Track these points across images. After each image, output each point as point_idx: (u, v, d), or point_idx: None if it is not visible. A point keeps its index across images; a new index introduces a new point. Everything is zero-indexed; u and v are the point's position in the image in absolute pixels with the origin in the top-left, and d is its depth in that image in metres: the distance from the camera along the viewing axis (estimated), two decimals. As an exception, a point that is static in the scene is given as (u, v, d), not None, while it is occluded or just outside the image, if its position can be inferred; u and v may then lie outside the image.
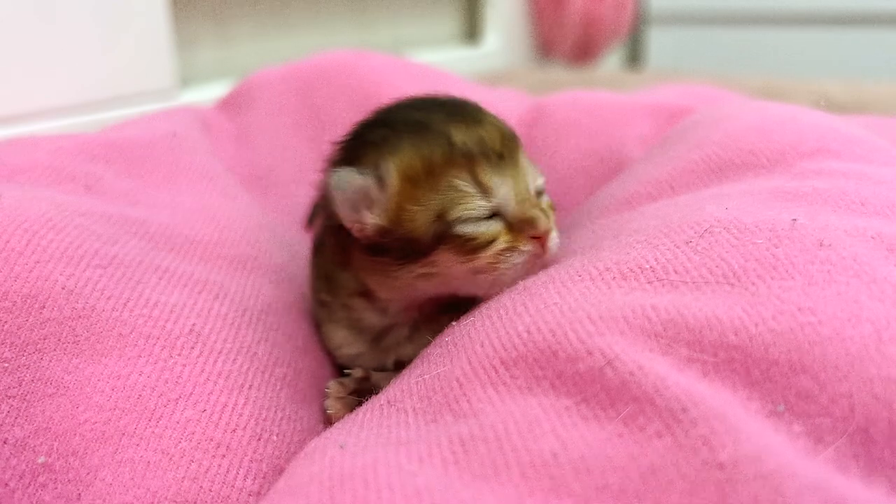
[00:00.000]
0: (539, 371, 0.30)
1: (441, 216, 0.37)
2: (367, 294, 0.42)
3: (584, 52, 1.55)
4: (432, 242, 0.37)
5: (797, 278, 0.31)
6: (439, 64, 0.87)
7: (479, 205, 0.38)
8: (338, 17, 1.07)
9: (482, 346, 0.32)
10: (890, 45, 1.59)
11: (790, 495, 0.24)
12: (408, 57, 0.98)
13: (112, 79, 0.69)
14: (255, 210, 0.55)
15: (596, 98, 0.68)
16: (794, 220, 0.34)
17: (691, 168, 0.44)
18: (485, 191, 0.38)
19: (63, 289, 0.37)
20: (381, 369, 0.45)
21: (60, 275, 0.37)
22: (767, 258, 0.32)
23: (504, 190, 0.38)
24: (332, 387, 0.42)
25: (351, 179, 0.38)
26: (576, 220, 0.49)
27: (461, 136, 0.38)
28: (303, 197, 0.67)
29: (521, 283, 0.38)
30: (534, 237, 0.38)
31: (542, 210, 0.39)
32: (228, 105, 0.73)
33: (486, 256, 0.38)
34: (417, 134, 0.38)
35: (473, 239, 0.37)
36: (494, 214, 0.38)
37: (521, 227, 0.38)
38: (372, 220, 0.38)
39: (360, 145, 0.41)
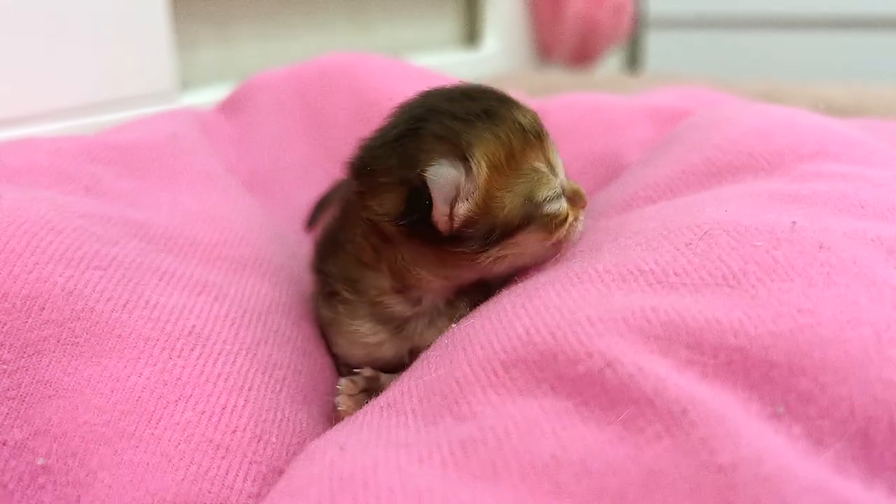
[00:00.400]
0: (539, 373, 0.30)
1: (529, 198, 0.39)
2: (402, 289, 0.43)
3: (583, 55, 1.55)
4: (522, 224, 0.39)
5: (797, 280, 0.31)
6: (439, 67, 0.88)
7: (556, 183, 0.41)
8: (338, 21, 1.07)
9: (482, 349, 0.32)
10: (889, 48, 1.60)
11: (790, 497, 0.24)
12: (407, 60, 0.98)
13: (112, 81, 0.70)
14: (255, 211, 0.55)
15: (595, 101, 0.69)
16: (794, 222, 0.34)
17: (690, 170, 0.44)
18: (553, 169, 0.41)
19: (63, 290, 0.37)
20: (392, 365, 0.45)
21: (60, 276, 0.37)
22: (767, 260, 0.32)
23: (560, 167, 0.42)
24: (344, 384, 0.43)
25: (447, 173, 0.38)
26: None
27: (525, 119, 0.40)
28: (303, 198, 0.68)
29: (520, 284, 0.38)
30: (582, 206, 0.42)
31: (576, 189, 0.43)
32: (229, 107, 0.73)
33: (564, 230, 0.41)
34: (491, 121, 0.39)
35: (557, 216, 0.40)
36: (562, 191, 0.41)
37: (573, 199, 0.42)
38: (464, 211, 0.38)
39: (422, 140, 0.40)
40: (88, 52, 0.67)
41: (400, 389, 0.35)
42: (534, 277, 0.38)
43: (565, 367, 0.29)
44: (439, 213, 0.38)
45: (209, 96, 0.78)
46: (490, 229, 0.39)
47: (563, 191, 0.41)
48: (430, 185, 0.37)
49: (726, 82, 0.98)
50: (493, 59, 1.33)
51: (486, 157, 0.38)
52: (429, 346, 0.39)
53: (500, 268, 0.41)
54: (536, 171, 0.40)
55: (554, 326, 0.31)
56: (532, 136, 0.40)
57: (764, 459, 0.25)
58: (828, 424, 0.27)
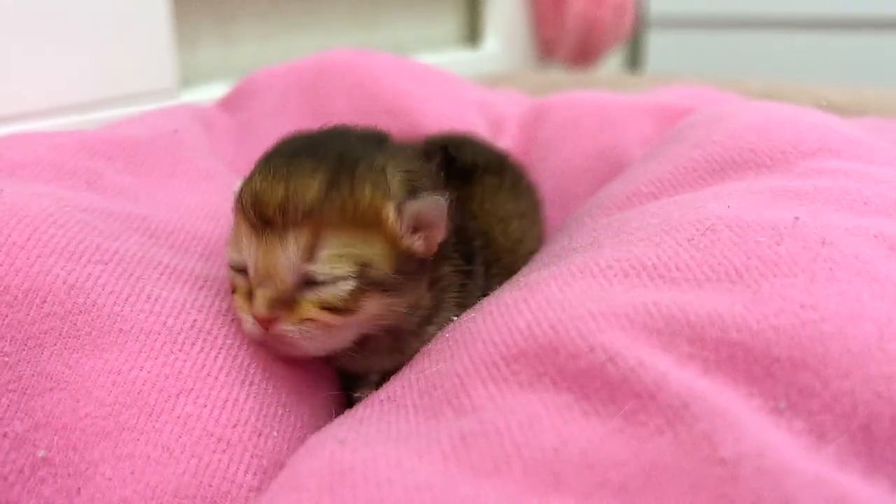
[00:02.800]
0: (540, 367, 0.30)
1: None
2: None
3: (584, 55, 1.55)
4: None
5: (799, 276, 0.31)
6: (440, 66, 0.88)
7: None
8: (339, 19, 1.07)
9: (483, 343, 0.32)
10: (890, 49, 1.60)
11: (791, 491, 0.24)
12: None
13: (112, 79, 0.69)
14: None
15: (597, 98, 0.69)
16: (796, 218, 0.34)
17: (692, 167, 0.44)
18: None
19: (64, 283, 0.37)
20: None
21: (61, 270, 0.37)
22: (769, 256, 0.32)
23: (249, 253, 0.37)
24: (364, 392, 0.41)
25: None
26: (577, 219, 0.49)
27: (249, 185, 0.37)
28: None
29: (522, 279, 0.38)
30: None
31: (264, 296, 0.36)
32: (229, 103, 0.73)
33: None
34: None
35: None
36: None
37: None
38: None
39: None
40: (90, 50, 0.67)
41: (400, 383, 0.35)
42: (535, 272, 0.38)
43: (567, 361, 0.29)
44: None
45: (210, 94, 0.77)
46: None
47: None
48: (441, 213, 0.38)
49: (727, 82, 0.98)
50: (494, 58, 1.33)
51: None
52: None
53: None
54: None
55: (555, 321, 0.31)
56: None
57: (765, 454, 0.25)
58: (830, 419, 0.27)
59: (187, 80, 0.82)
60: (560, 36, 1.49)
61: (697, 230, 0.34)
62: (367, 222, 0.36)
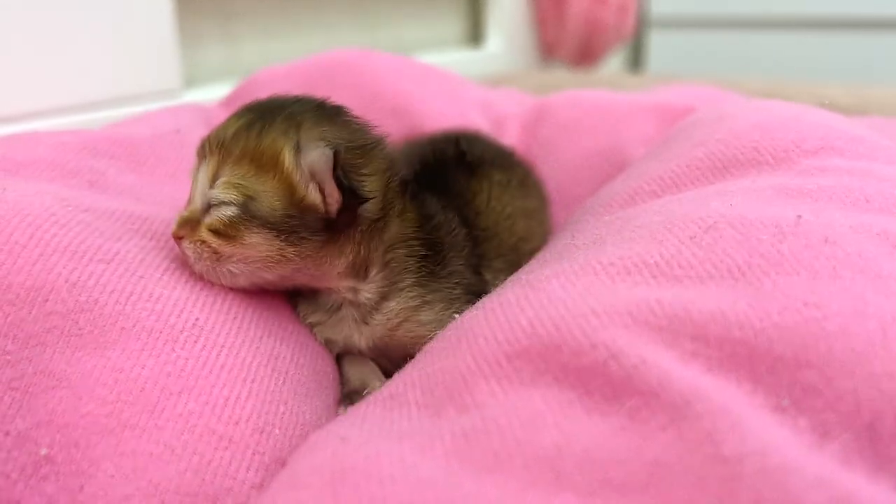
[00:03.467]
0: (543, 365, 0.30)
1: None
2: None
3: (586, 55, 1.55)
4: None
5: (802, 274, 0.31)
6: (442, 66, 0.88)
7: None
8: (342, 19, 1.08)
9: (485, 340, 0.32)
10: (891, 49, 1.59)
11: (794, 490, 0.24)
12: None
13: (116, 79, 0.70)
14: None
15: (598, 97, 0.69)
16: (799, 216, 0.34)
17: (695, 165, 0.44)
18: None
19: (67, 282, 0.37)
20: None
21: (64, 268, 0.37)
22: (772, 254, 0.32)
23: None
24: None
25: None
26: (579, 217, 0.49)
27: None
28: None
29: (524, 276, 0.38)
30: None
31: (180, 216, 0.42)
32: (232, 103, 0.73)
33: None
34: None
35: None
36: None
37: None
38: None
39: None
40: (93, 50, 0.67)
41: (403, 381, 0.35)
42: (537, 270, 0.38)
43: (569, 358, 0.29)
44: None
45: (213, 94, 0.78)
46: None
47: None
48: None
49: (728, 82, 0.98)
50: (497, 58, 1.33)
51: None
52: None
53: None
54: None
55: (558, 318, 0.31)
56: None
57: (769, 452, 0.25)
58: (833, 417, 0.27)
59: (190, 80, 0.82)
60: (562, 36, 1.49)
61: (700, 228, 0.34)
62: (264, 161, 0.39)
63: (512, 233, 0.51)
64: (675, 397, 0.27)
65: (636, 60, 1.91)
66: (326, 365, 0.45)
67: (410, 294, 0.43)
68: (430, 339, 0.39)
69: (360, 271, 0.43)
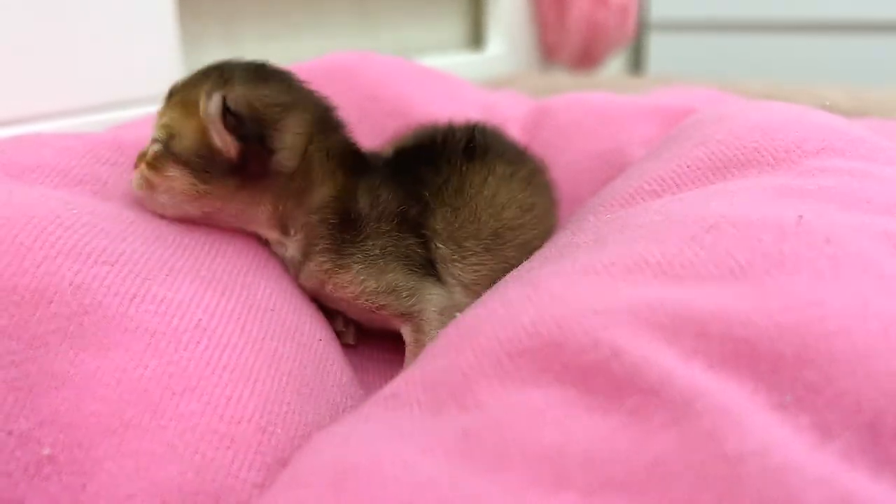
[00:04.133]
0: (544, 363, 0.30)
1: None
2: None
3: (587, 57, 1.56)
4: None
5: (804, 273, 0.31)
6: (443, 69, 0.88)
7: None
8: (343, 22, 1.08)
9: (487, 339, 0.32)
10: (891, 52, 1.60)
11: (796, 489, 0.24)
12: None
13: (118, 82, 0.70)
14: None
15: (599, 99, 0.69)
16: (801, 216, 0.34)
17: (696, 165, 0.44)
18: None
19: (71, 284, 0.37)
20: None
21: (68, 270, 0.37)
22: (774, 253, 0.32)
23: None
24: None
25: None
26: (580, 216, 0.49)
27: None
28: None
29: (525, 274, 0.38)
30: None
31: (140, 152, 0.47)
32: (234, 106, 0.73)
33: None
34: None
35: None
36: None
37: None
38: None
39: None
40: (96, 53, 0.67)
41: (404, 380, 0.35)
42: (538, 268, 0.38)
43: (571, 357, 0.29)
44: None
45: (215, 96, 0.78)
46: None
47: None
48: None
49: (728, 85, 0.98)
50: (498, 60, 1.34)
51: None
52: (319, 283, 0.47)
53: None
54: None
55: (560, 317, 0.31)
56: None
57: (770, 451, 0.25)
58: (835, 416, 0.27)
59: (192, 83, 0.82)
60: (563, 39, 1.50)
61: (701, 227, 0.34)
62: (189, 105, 0.45)
63: (498, 219, 0.51)
64: (676, 395, 0.27)
65: (636, 63, 1.92)
66: (330, 365, 0.45)
67: (322, 258, 0.47)
68: (363, 297, 0.46)
69: (283, 227, 0.48)
